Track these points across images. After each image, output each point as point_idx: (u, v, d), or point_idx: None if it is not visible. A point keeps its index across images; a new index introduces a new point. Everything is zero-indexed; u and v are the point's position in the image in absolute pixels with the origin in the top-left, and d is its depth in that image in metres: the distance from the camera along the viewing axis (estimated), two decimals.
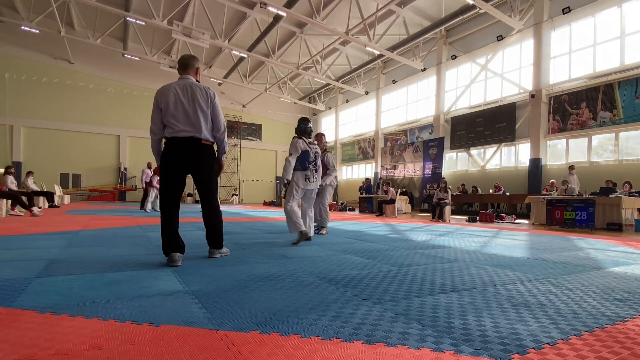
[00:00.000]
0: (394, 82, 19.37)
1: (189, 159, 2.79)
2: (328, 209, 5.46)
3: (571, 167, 9.89)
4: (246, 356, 1.20)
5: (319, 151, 4.46)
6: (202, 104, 2.80)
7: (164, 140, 2.85)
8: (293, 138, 4.29)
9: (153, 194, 10.65)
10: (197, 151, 2.80)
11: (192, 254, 3.25)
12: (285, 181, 4.16)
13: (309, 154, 4.25)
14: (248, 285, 2.16)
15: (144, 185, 10.79)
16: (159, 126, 2.79)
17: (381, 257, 3.30)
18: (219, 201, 3.35)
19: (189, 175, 2.90)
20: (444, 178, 13.78)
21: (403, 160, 17.82)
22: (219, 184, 26.46)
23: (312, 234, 4.52)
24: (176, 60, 18.05)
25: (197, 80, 2.94)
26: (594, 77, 11.20)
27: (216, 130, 2.90)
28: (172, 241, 2.73)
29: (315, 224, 5.35)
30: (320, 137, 5.25)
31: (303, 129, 4.32)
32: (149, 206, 10.53)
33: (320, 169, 4.45)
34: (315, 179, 4.33)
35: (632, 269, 2.97)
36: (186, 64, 2.93)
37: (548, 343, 1.37)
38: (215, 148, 3.01)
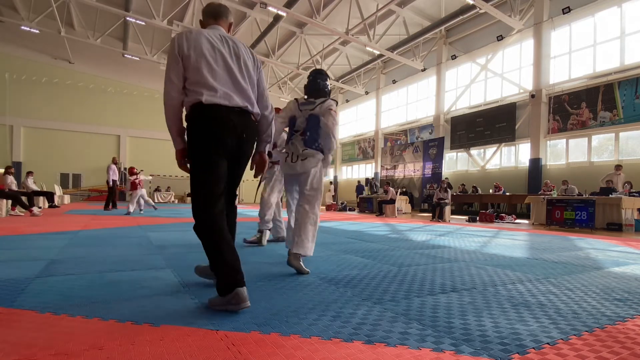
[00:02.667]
0: (394, 82, 19.37)
1: (236, 141, 1.83)
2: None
3: (618, 167, 9.01)
4: (246, 356, 1.20)
5: (319, 112, 2.73)
6: (250, 65, 1.92)
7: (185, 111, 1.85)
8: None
9: (139, 193, 9.52)
10: (250, 129, 1.91)
11: (192, 254, 3.25)
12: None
13: (295, 121, 2.79)
14: (248, 285, 2.15)
15: (110, 184, 9.80)
16: (178, 86, 1.77)
17: (381, 257, 3.30)
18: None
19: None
20: (446, 178, 13.80)
21: (403, 160, 17.82)
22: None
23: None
24: None
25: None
26: (594, 77, 11.20)
27: (264, 107, 2.01)
28: (235, 267, 1.76)
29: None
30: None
31: (310, 82, 2.90)
32: (131, 208, 9.14)
33: (324, 135, 2.73)
34: (301, 158, 2.66)
35: (632, 269, 2.97)
36: (217, 12, 1.98)
37: (548, 343, 1.37)
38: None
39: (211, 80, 1.75)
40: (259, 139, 2.06)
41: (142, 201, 9.95)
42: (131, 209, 9.11)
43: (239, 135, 1.84)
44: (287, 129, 2.93)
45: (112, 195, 10.18)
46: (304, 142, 2.68)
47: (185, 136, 1.85)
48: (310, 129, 2.68)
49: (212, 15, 1.98)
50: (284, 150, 2.80)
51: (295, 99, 2.89)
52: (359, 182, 18.86)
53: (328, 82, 2.93)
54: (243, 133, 1.85)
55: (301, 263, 2.54)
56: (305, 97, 2.88)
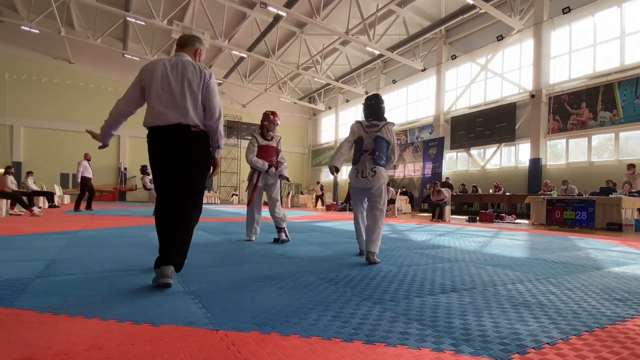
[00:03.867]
0: (394, 82, 19.38)
1: (175, 151, 2.22)
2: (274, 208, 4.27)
3: (630, 166, 8.82)
4: (246, 356, 1.20)
5: (384, 135, 3.18)
6: (193, 83, 2.26)
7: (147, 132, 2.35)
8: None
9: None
10: (185, 140, 2.23)
11: (191, 254, 3.25)
12: (332, 166, 3.28)
13: (363, 142, 3.22)
14: (248, 285, 2.16)
15: (78, 179, 9.31)
16: (126, 101, 2.41)
17: (381, 257, 3.30)
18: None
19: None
20: (447, 178, 13.78)
21: (403, 160, 17.82)
22: (217, 184, 26.60)
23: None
24: None
25: (196, 61, 2.45)
26: (594, 77, 11.20)
27: (208, 118, 2.29)
28: (165, 247, 2.14)
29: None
30: (267, 115, 4.24)
31: (369, 106, 3.33)
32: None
33: (390, 156, 3.29)
34: (371, 173, 3.12)
35: (632, 269, 2.97)
36: (184, 42, 2.44)
37: (548, 343, 1.37)
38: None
39: (155, 104, 2.27)
40: (211, 143, 2.39)
41: None
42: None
43: (175, 145, 2.23)
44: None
45: (82, 194, 9.40)
46: (373, 160, 3.16)
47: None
48: (378, 149, 3.16)
49: (179, 45, 2.46)
50: (354, 167, 3.26)
51: (358, 122, 3.33)
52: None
53: (384, 105, 3.40)
54: (179, 143, 2.24)
55: (375, 257, 3.05)
56: (367, 119, 3.31)
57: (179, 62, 2.31)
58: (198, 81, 2.28)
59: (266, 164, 4.11)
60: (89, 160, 9.49)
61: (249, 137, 4.26)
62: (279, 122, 4.32)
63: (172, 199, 2.23)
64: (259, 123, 4.38)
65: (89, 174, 9.45)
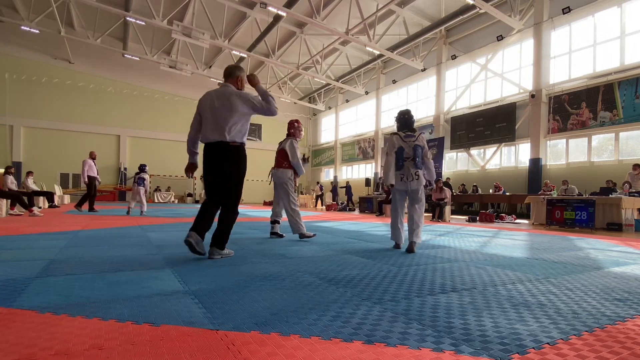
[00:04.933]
0: (394, 82, 19.37)
1: (216, 160, 2.99)
2: (292, 210, 4.59)
3: (637, 166, 8.63)
4: (246, 356, 1.20)
5: (420, 143, 3.83)
6: (234, 106, 2.96)
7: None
8: (389, 135, 4.00)
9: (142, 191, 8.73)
10: (224, 152, 2.97)
11: (191, 254, 3.25)
12: (390, 185, 3.82)
13: (403, 151, 3.81)
14: (248, 285, 2.16)
15: (85, 180, 9.01)
16: (193, 128, 3.12)
17: (381, 257, 3.30)
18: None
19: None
20: (448, 178, 13.76)
21: None
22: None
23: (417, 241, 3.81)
24: (176, 60, 18.08)
25: (238, 89, 3.08)
26: (594, 77, 11.20)
27: (265, 109, 3.07)
28: (194, 224, 3.00)
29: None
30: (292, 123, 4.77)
31: (403, 119, 3.93)
32: (144, 208, 8.75)
33: (428, 163, 3.87)
34: (415, 177, 3.77)
35: (632, 269, 2.97)
36: (227, 74, 3.15)
37: (548, 343, 1.37)
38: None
39: (205, 126, 3.05)
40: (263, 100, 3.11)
41: None
42: (131, 206, 8.98)
43: (216, 156, 3.01)
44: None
45: (89, 194, 9.22)
46: (415, 165, 3.75)
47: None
48: (417, 155, 3.77)
49: (224, 76, 3.18)
50: (398, 172, 3.81)
51: (396, 134, 3.90)
52: (347, 182, 19.05)
53: (414, 118, 4.07)
54: (219, 155, 2.99)
55: (415, 247, 3.68)
56: (403, 130, 3.90)
57: (223, 92, 3.02)
58: (239, 104, 2.98)
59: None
60: (94, 159, 9.27)
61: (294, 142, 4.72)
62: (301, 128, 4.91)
63: (223, 198, 3.07)
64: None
65: (93, 173, 9.21)
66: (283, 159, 4.61)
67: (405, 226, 3.97)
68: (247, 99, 3.01)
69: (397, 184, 3.82)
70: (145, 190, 8.85)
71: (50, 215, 8.09)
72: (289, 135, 4.74)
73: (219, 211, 3.09)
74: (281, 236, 4.75)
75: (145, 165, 8.97)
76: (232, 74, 3.11)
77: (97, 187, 9.53)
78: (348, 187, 18.37)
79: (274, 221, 4.79)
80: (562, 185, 9.97)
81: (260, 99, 3.07)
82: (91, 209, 9.43)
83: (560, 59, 12.21)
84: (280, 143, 4.74)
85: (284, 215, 4.78)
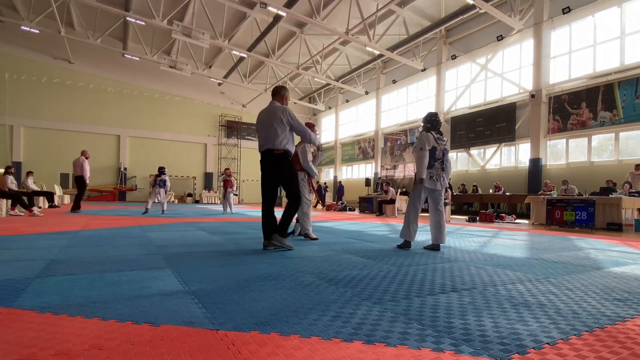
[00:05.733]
0: (394, 82, 19.37)
1: (269, 168, 3.59)
2: (302, 211, 4.77)
3: (638, 166, 8.63)
4: (246, 356, 1.20)
5: (448, 147, 4.06)
6: (279, 120, 3.54)
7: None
8: (421, 132, 3.99)
9: (162, 192, 9.37)
10: (273, 158, 3.55)
11: (191, 254, 3.25)
12: (420, 179, 3.82)
13: (436, 150, 3.90)
14: (248, 285, 2.16)
15: (87, 181, 9.10)
16: (258, 139, 3.77)
17: (381, 257, 3.30)
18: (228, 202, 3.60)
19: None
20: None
21: (403, 160, 17.82)
22: (217, 184, 26.54)
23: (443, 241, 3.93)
24: (176, 60, 18.09)
25: (283, 104, 3.71)
26: (594, 77, 11.20)
27: (302, 138, 3.85)
28: (263, 233, 3.65)
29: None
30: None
31: (434, 121, 4.01)
32: (164, 207, 9.45)
33: (449, 167, 4.03)
34: (441, 178, 3.92)
35: (632, 269, 2.97)
36: (274, 93, 3.79)
37: (548, 343, 1.37)
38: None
39: (259, 137, 3.69)
40: (309, 141, 4.01)
41: (231, 201, 10.62)
42: (230, 210, 10.46)
43: (269, 163, 3.60)
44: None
45: (82, 193, 9.19)
46: (442, 168, 3.94)
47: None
48: (446, 159, 3.98)
49: (272, 95, 3.82)
50: (429, 170, 3.88)
51: (430, 132, 3.92)
52: (340, 182, 19.08)
53: None
54: (271, 162, 3.58)
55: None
56: (434, 132, 3.96)
57: (270, 108, 3.65)
58: (282, 118, 3.55)
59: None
60: (87, 158, 9.24)
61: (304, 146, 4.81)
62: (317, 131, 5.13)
63: (288, 196, 3.65)
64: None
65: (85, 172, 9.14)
66: (296, 162, 4.75)
67: (419, 226, 4.05)
68: (285, 111, 3.57)
69: (427, 182, 3.86)
70: (166, 192, 9.55)
71: (50, 215, 8.09)
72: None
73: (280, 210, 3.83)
74: (315, 239, 4.77)
75: (164, 168, 9.59)
76: (278, 92, 3.76)
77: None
78: (340, 187, 18.45)
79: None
80: (562, 185, 9.97)
81: (301, 128, 3.69)
82: (77, 207, 9.20)
83: (560, 59, 12.21)
84: (295, 147, 4.86)
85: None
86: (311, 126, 4.90)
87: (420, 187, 3.89)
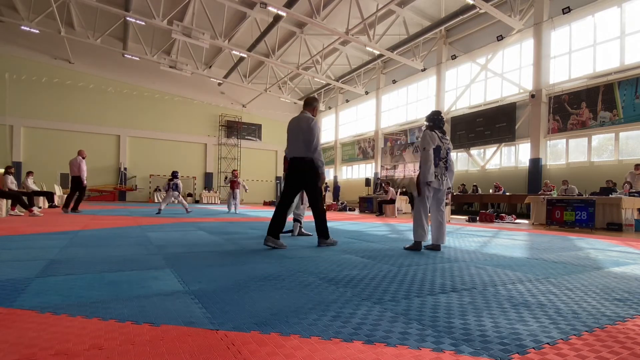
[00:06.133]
0: (394, 82, 19.38)
1: (294, 173, 3.85)
2: (302, 212, 5.15)
3: (638, 166, 8.68)
4: (246, 356, 1.20)
5: (451, 147, 3.99)
6: (305, 130, 3.78)
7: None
8: (425, 130, 3.93)
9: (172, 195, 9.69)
10: (299, 167, 3.81)
11: (191, 254, 3.25)
12: (427, 182, 3.76)
13: (440, 150, 3.84)
14: (248, 285, 2.16)
15: (85, 181, 9.10)
16: (287, 147, 3.99)
17: (381, 257, 3.30)
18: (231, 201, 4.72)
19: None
20: None
21: (403, 160, 17.81)
22: (217, 184, 26.61)
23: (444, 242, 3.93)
24: (176, 60, 18.10)
25: (312, 115, 3.95)
26: (594, 77, 11.20)
27: (312, 150, 3.81)
28: (269, 226, 3.77)
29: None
30: None
31: (438, 120, 3.94)
32: (187, 206, 10.09)
33: (452, 167, 3.98)
34: (445, 178, 3.87)
35: (632, 269, 2.97)
36: (306, 103, 4.05)
37: (548, 343, 1.37)
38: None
39: (288, 144, 3.95)
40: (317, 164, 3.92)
41: (237, 201, 11.20)
42: (235, 210, 11.07)
43: (297, 170, 3.86)
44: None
45: (74, 195, 9.05)
46: (446, 168, 3.89)
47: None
48: (449, 159, 3.94)
49: (303, 105, 4.08)
50: (434, 171, 3.80)
51: (434, 131, 3.88)
52: (336, 183, 19.17)
53: None
54: (299, 169, 3.85)
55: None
56: (438, 130, 3.92)
57: (301, 117, 3.91)
58: (307, 128, 3.79)
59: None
60: (84, 158, 9.21)
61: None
62: None
63: (310, 203, 3.97)
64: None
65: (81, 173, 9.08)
66: None
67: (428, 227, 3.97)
68: (312, 121, 3.83)
69: (434, 182, 3.82)
70: (179, 194, 10.05)
71: (50, 215, 8.09)
72: None
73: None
74: (309, 235, 5.09)
75: (177, 172, 10.07)
76: (310, 104, 4.03)
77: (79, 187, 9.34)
78: (336, 187, 18.52)
79: (297, 220, 5.20)
80: (562, 185, 9.97)
81: (312, 139, 3.81)
82: (67, 206, 8.99)
83: (560, 59, 12.21)
84: None
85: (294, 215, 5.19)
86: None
87: (426, 190, 3.83)
